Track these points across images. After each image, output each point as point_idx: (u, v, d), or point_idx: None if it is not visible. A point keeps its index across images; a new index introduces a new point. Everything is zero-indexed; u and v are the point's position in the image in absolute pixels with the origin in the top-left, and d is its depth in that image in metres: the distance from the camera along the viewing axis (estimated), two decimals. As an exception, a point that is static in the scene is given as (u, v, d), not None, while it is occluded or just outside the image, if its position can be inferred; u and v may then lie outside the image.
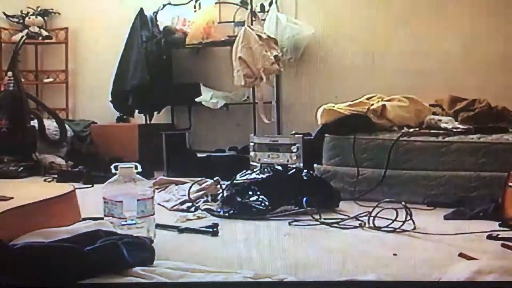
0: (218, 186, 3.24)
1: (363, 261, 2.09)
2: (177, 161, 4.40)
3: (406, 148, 3.30)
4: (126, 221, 2.19)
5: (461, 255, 2.03)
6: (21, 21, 5.56)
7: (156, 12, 5.00)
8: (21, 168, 4.43)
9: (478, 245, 2.27)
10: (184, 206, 3.09)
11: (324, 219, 2.70)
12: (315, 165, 3.55)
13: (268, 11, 4.67)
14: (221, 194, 3.10)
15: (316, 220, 2.69)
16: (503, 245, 2.23)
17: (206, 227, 2.57)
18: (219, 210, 2.96)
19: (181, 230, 2.55)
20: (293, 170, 3.22)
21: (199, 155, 4.50)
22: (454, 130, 3.41)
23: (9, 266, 1.67)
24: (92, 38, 5.52)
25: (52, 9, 5.61)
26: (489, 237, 2.36)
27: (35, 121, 4.93)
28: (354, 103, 3.69)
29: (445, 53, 4.36)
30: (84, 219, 2.41)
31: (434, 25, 4.38)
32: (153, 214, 2.27)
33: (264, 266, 1.95)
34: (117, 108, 5.05)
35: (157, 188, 3.50)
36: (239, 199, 2.96)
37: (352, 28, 4.61)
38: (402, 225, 2.52)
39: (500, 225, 2.56)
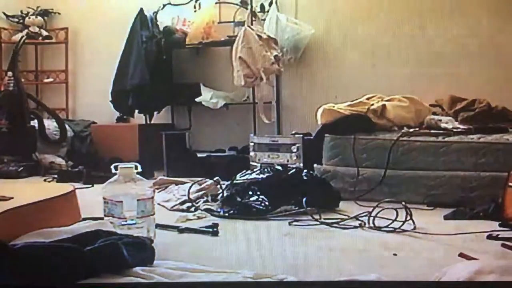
0: (218, 186, 3.24)
1: (363, 261, 2.10)
2: (177, 161, 4.40)
3: (406, 148, 3.30)
4: (126, 221, 2.19)
5: (461, 255, 2.03)
6: (21, 21, 5.56)
7: (156, 12, 5.00)
8: (21, 168, 4.42)
9: (478, 245, 2.27)
10: (184, 206, 3.09)
11: (324, 219, 2.71)
12: (315, 165, 3.55)
13: (268, 11, 4.68)
14: (221, 194, 3.10)
15: (316, 220, 2.69)
16: (503, 245, 2.23)
17: (206, 227, 2.56)
18: (219, 210, 2.96)
19: (181, 230, 2.55)
20: (293, 170, 3.22)
21: (199, 155, 4.50)
22: (454, 130, 3.41)
23: (9, 266, 1.67)
24: (92, 38, 5.51)
25: (52, 9, 5.60)
26: (489, 237, 2.36)
27: (35, 121, 4.93)
28: (354, 103, 3.69)
29: (445, 53, 4.36)
30: (84, 219, 2.41)
31: (434, 25, 4.38)
32: (153, 214, 2.27)
33: (264, 266, 1.95)
34: (117, 108, 5.05)
35: (157, 188, 3.50)
36: (239, 199, 2.97)
37: (352, 28, 4.61)
38: (402, 225, 2.52)
39: (500, 225, 2.56)
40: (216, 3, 4.95)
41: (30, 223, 2.08)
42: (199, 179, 3.37)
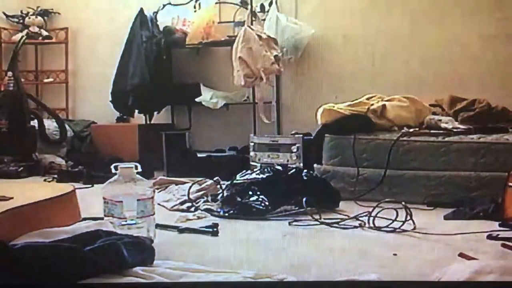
0: (218, 186, 3.24)
1: (363, 261, 2.09)
2: (177, 161, 4.40)
3: (406, 148, 3.30)
4: (126, 221, 2.19)
5: (461, 255, 2.03)
6: (21, 21, 5.56)
7: (156, 12, 5.00)
8: (21, 168, 4.42)
9: (478, 245, 2.27)
10: (184, 206, 3.09)
11: (324, 219, 2.71)
12: (315, 165, 3.55)
13: (268, 11, 4.67)
14: (221, 194, 3.10)
15: (316, 220, 2.69)
16: (503, 245, 2.23)
17: (206, 227, 2.56)
18: (219, 210, 2.96)
19: (181, 230, 2.55)
20: (293, 170, 3.22)
21: (199, 155, 4.50)
22: (454, 130, 3.41)
23: (9, 266, 1.67)
24: (92, 38, 5.52)
25: (52, 9, 5.61)
26: (489, 237, 2.36)
27: (35, 121, 4.93)
28: (354, 103, 3.69)
29: (445, 54, 4.36)
30: (84, 219, 2.41)
31: (435, 25, 4.39)
32: (153, 214, 2.27)
33: (264, 266, 1.95)
34: (117, 108, 5.05)
35: (157, 188, 3.50)
36: (239, 199, 2.96)
37: (352, 28, 4.61)
38: (402, 225, 2.52)
39: (500, 225, 2.56)
40: (216, 3, 4.95)
41: (30, 223, 2.07)
42: (199, 179, 3.37)
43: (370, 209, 2.67)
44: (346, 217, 2.76)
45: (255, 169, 3.30)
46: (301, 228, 2.65)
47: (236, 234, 2.55)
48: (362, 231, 2.56)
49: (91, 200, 2.71)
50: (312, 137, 3.86)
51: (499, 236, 2.34)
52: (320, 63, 4.68)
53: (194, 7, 4.99)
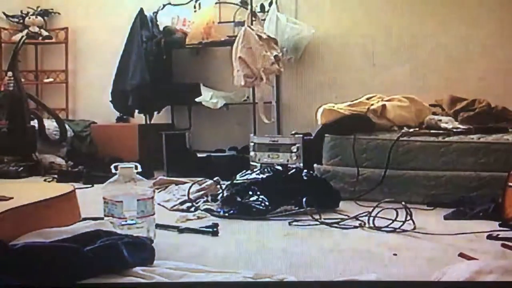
0: (218, 186, 3.24)
1: (363, 261, 2.09)
2: (177, 161, 4.40)
3: (406, 148, 3.30)
4: (126, 221, 2.19)
5: (461, 255, 2.03)
6: (21, 21, 5.56)
7: (156, 12, 5.00)
8: (21, 168, 4.42)
9: (478, 245, 2.27)
10: (184, 206, 3.09)
11: (324, 219, 2.71)
12: (315, 165, 3.55)
13: (268, 11, 4.68)
14: (221, 194, 3.10)
15: (316, 220, 2.69)
16: (503, 245, 2.23)
17: (206, 227, 2.57)
18: (219, 210, 2.96)
19: (181, 230, 2.55)
20: (293, 170, 3.22)
21: (199, 155, 4.50)
22: (454, 130, 3.42)
23: (9, 266, 1.67)
24: (92, 38, 5.52)
25: (52, 9, 5.61)
26: (489, 237, 2.36)
27: (35, 121, 4.93)
28: (354, 103, 3.69)
29: (445, 54, 4.36)
30: (84, 219, 2.40)
31: (435, 25, 4.39)
32: (153, 214, 2.27)
33: (264, 266, 1.95)
34: (117, 108, 5.05)
35: (157, 188, 3.50)
36: (239, 199, 2.96)
37: (352, 28, 4.61)
38: (402, 225, 2.52)
39: (500, 225, 2.56)
40: (216, 3, 4.95)
41: (30, 223, 2.07)
42: (199, 179, 3.37)
43: (370, 209, 2.67)
44: (346, 217, 2.76)
45: (255, 169, 3.31)
46: (301, 228, 2.65)
47: (236, 234, 2.55)
48: (362, 231, 2.56)
49: (91, 200, 2.70)
50: (312, 137, 3.86)
51: (499, 236, 2.35)
52: (320, 63, 4.68)
53: (194, 7, 4.99)
